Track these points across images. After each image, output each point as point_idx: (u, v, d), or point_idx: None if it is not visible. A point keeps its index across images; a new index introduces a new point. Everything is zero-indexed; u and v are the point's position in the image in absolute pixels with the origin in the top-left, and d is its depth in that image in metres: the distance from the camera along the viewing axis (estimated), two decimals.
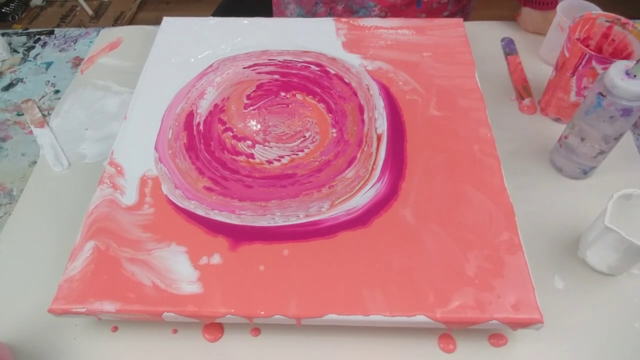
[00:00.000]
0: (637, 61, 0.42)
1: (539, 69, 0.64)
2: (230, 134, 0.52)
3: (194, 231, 0.44)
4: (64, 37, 0.73)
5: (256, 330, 0.43)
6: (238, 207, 0.46)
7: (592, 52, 0.49)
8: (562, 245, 0.47)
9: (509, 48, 0.67)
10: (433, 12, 0.71)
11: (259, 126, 0.53)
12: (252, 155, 0.50)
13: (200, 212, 0.45)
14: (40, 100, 0.64)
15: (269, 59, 0.59)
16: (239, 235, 0.44)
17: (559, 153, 0.52)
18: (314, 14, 0.73)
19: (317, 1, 0.72)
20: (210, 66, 0.59)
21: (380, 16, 0.70)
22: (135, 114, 0.54)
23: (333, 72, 0.57)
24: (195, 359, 0.41)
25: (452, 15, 0.73)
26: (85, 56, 0.69)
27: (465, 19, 0.77)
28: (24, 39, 0.73)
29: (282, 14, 0.79)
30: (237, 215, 0.45)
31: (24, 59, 0.70)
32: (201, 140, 0.51)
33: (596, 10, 0.57)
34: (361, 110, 0.54)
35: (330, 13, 0.72)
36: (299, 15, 0.75)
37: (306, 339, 0.42)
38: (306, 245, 0.43)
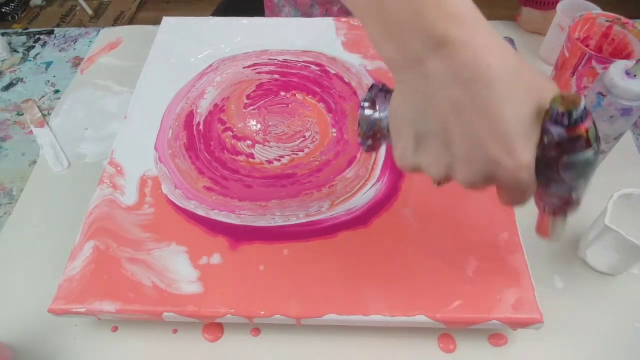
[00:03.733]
0: (637, 61, 0.42)
1: (539, 69, 0.64)
2: (230, 133, 0.52)
3: (194, 231, 0.44)
4: (64, 37, 0.73)
5: (256, 330, 0.43)
6: (238, 207, 0.46)
7: (592, 52, 0.49)
8: (562, 245, 0.47)
9: None
10: None
11: (259, 126, 0.53)
12: (252, 155, 0.50)
13: (201, 212, 0.45)
14: (40, 100, 0.64)
15: (269, 59, 0.59)
16: (239, 235, 0.44)
17: None
18: (309, 16, 0.73)
19: (313, 3, 0.72)
20: (210, 66, 0.59)
21: None
22: (135, 114, 0.54)
23: (333, 72, 0.57)
24: (195, 359, 0.41)
25: None
26: (85, 56, 0.69)
27: None
28: (24, 38, 0.73)
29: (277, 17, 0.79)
30: (237, 215, 0.45)
31: (24, 59, 0.70)
32: (201, 140, 0.51)
33: (596, 10, 0.57)
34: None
35: (327, 14, 0.72)
36: (294, 17, 0.75)
37: (306, 339, 0.42)
38: (306, 245, 0.43)
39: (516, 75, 0.26)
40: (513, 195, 0.29)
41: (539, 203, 0.33)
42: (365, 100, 0.33)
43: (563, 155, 0.27)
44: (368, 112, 0.32)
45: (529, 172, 0.27)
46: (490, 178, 0.27)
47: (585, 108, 0.26)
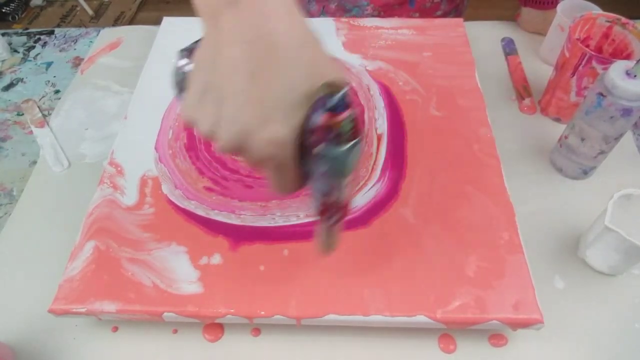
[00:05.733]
0: (637, 61, 0.42)
1: (539, 69, 0.64)
2: None
3: (194, 231, 0.44)
4: (64, 37, 0.73)
5: (256, 330, 0.43)
6: (238, 207, 0.46)
7: (592, 52, 0.49)
8: (562, 245, 0.47)
9: (509, 48, 0.67)
10: (426, 12, 0.71)
11: None
12: None
13: (201, 212, 0.45)
14: (40, 100, 0.64)
15: None
16: (239, 235, 0.44)
17: (559, 153, 0.52)
18: (307, 12, 0.73)
19: None
20: None
21: (373, 15, 0.70)
22: (135, 114, 0.54)
23: None
24: (195, 359, 0.41)
25: (445, 14, 0.73)
26: (85, 56, 0.69)
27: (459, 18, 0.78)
28: (24, 38, 0.73)
29: None
30: (237, 215, 0.45)
31: (24, 59, 0.70)
32: (201, 140, 0.51)
33: (596, 10, 0.57)
34: (361, 110, 0.54)
35: (323, 11, 0.72)
36: None
37: (306, 339, 0.42)
38: (306, 245, 0.43)
39: (300, 49, 0.25)
40: (272, 176, 0.28)
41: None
42: (182, 50, 0.31)
43: (317, 143, 0.26)
44: (181, 62, 0.31)
45: (281, 148, 0.26)
46: (243, 146, 0.26)
47: (343, 99, 0.25)
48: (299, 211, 0.45)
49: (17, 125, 0.61)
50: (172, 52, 0.65)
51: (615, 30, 0.53)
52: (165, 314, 0.40)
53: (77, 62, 0.69)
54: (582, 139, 0.48)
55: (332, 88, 0.25)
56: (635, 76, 0.42)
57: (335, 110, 0.24)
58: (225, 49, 0.26)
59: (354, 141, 0.25)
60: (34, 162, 0.56)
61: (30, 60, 0.70)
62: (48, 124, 0.60)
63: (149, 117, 0.54)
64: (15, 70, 0.69)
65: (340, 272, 0.41)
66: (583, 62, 0.50)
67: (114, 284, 0.41)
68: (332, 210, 0.30)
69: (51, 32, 0.74)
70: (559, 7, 0.60)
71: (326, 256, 0.36)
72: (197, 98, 0.27)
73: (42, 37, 0.73)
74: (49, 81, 0.67)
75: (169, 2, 2.13)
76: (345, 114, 0.25)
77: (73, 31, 0.74)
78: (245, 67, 0.25)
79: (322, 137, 0.25)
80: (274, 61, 0.25)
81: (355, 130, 0.25)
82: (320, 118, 0.25)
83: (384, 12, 0.69)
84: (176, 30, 0.63)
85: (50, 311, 0.40)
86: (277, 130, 0.25)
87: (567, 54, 0.52)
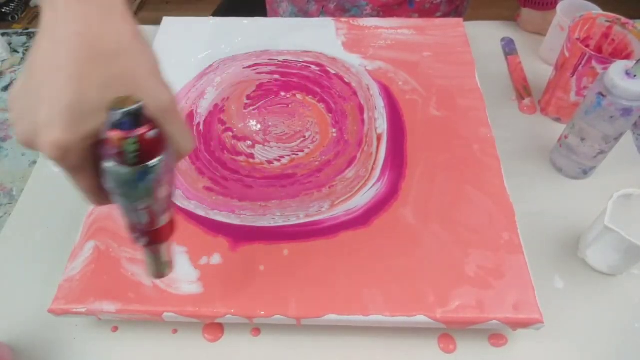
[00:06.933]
0: (637, 61, 0.42)
1: (539, 69, 0.64)
2: (230, 134, 0.52)
3: (194, 231, 0.44)
4: None
5: (256, 330, 0.43)
6: (238, 207, 0.46)
7: (592, 52, 0.49)
8: (562, 245, 0.47)
9: (509, 48, 0.67)
10: (426, 12, 0.71)
11: (259, 126, 0.53)
12: (252, 156, 0.50)
13: (200, 212, 0.45)
14: None
15: (269, 59, 0.59)
16: (239, 235, 0.44)
17: (559, 153, 0.52)
18: (306, 12, 0.73)
19: None
20: (210, 66, 0.59)
21: (372, 15, 0.70)
22: None
23: (333, 72, 0.57)
24: (195, 359, 0.41)
25: (445, 16, 0.73)
26: None
27: None
28: (24, 38, 0.73)
29: (276, 13, 0.79)
30: (237, 215, 0.45)
31: (24, 59, 0.70)
32: (201, 141, 0.51)
33: (596, 10, 0.57)
34: (361, 110, 0.54)
35: (323, 11, 0.72)
36: (291, 14, 0.75)
37: (306, 339, 0.42)
38: (306, 245, 0.43)
39: (108, 57, 0.25)
40: (69, 180, 0.27)
41: None
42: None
43: (104, 157, 0.24)
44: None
45: (63, 154, 0.25)
46: (33, 143, 0.26)
47: (131, 117, 0.23)
48: (299, 211, 0.45)
49: None
50: (172, 52, 0.65)
51: (615, 30, 0.53)
52: (165, 314, 0.40)
53: None
54: (582, 139, 0.48)
55: (123, 103, 0.23)
56: (635, 76, 0.42)
57: (121, 127, 0.23)
58: (37, 43, 0.26)
59: (141, 166, 0.24)
60: (34, 162, 0.56)
61: None
62: None
63: None
64: (15, 70, 0.69)
65: (340, 272, 0.41)
66: (583, 62, 0.50)
67: (113, 284, 0.41)
68: (137, 231, 0.28)
69: None
70: (559, 7, 0.60)
71: (154, 280, 0.36)
72: (20, 85, 0.27)
73: None
74: None
75: (168, 2, 2.13)
76: (130, 134, 0.23)
77: None
78: (43, 65, 0.25)
79: (106, 152, 0.24)
80: (66, 63, 0.24)
81: (142, 154, 0.23)
82: (105, 130, 0.24)
83: (383, 12, 0.69)
84: (176, 31, 0.63)
85: (50, 311, 0.40)
86: (57, 135, 0.24)
87: (567, 54, 0.52)
